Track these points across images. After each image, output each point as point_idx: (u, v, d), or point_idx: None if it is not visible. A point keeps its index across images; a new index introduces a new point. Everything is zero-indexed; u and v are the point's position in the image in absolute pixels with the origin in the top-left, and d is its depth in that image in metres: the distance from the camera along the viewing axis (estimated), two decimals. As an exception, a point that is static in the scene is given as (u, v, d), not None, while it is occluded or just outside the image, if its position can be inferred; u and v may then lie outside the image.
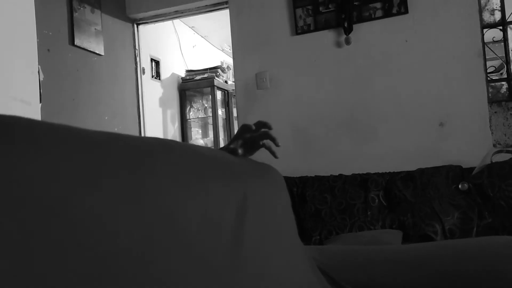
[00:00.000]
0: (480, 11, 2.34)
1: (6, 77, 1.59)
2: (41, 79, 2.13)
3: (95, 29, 2.73)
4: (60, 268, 0.34)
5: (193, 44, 4.47)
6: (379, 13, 2.46)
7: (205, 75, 4.09)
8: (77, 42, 2.55)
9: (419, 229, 1.89)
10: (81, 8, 2.61)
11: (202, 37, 4.70)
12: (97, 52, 2.75)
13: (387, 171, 2.23)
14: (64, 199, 0.37)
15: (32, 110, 1.70)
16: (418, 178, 2.10)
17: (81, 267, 0.36)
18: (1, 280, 0.30)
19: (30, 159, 0.36)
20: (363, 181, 2.19)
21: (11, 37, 1.62)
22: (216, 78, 4.07)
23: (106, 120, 2.82)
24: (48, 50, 2.33)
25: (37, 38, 1.77)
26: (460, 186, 2.00)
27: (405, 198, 2.05)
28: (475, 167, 2.05)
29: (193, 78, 4.09)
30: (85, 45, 2.63)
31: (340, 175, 2.28)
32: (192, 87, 4.09)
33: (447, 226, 1.86)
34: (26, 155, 0.36)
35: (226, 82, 4.34)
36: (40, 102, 1.79)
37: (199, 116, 4.23)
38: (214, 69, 4.18)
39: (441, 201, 1.97)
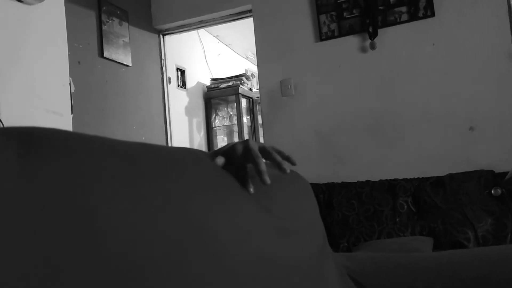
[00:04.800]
0: (510, 11, 2.28)
1: (40, 90, 1.64)
2: (72, 91, 2.20)
3: (123, 41, 2.80)
4: (94, 273, 0.35)
5: (217, 53, 4.52)
6: (404, 17, 2.43)
7: (230, 83, 4.12)
8: (106, 54, 2.62)
9: (450, 236, 1.85)
10: (110, 21, 2.69)
11: (226, 45, 4.74)
12: (125, 63, 2.81)
13: (416, 177, 2.19)
14: (98, 207, 0.38)
15: (64, 121, 1.75)
16: (448, 183, 2.05)
17: (113, 273, 0.37)
18: (32, 281, 0.31)
19: (65, 170, 0.37)
20: (391, 187, 2.16)
21: (44, 51, 1.68)
22: (240, 86, 4.10)
23: (134, 130, 2.87)
24: (79, 62, 2.40)
25: (68, 51, 1.83)
26: (492, 191, 1.95)
27: (435, 204, 2.01)
28: (508, 172, 1.99)
29: (218, 87, 4.13)
30: (114, 56, 2.70)
31: (367, 181, 2.25)
32: (217, 95, 4.13)
33: (480, 232, 1.81)
34: (62, 166, 0.37)
35: (250, 89, 4.36)
36: (72, 113, 1.85)
37: (225, 124, 4.26)
38: (238, 77, 4.21)
39: (473, 207, 1.92)
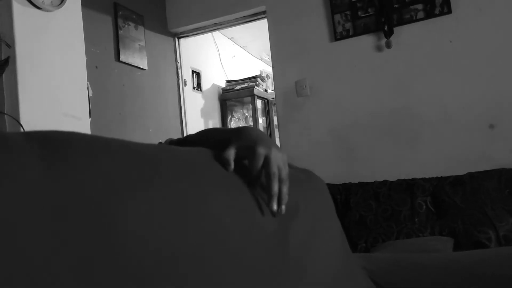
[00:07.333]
0: (529, 6, 2.23)
1: (59, 95, 1.67)
2: (90, 95, 2.23)
3: (139, 44, 2.84)
4: (117, 273, 0.35)
5: (232, 55, 4.54)
6: (420, 14, 2.40)
7: (245, 85, 4.13)
8: (122, 58, 2.65)
9: (471, 236, 1.82)
10: (126, 26, 2.72)
11: (241, 47, 4.75)
12: (141, 67, 2.84)
13: (434, 176, 2.16)
14: (119, 208, 0.38)
15: (82, 125, 1.78)
16: (468, 183, 2.01)
17: (136, 272, 0.37)
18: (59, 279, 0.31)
19: (86, 171, 0.38)
20: (409, 186, 2.13)
21: (62, 57, 1.71)
22: (256, 87, 4.10)
23: (151, 132, 2.90)
24: (96, 67, 2.44)
25: (85, 56, 1.86)
26: (514, 190, 1.91)
27: (455, 204, 1.98)
28: (530, 170, 1.95)
29: (233, 88, 4.14)
30: (130, 60, 2.73)
31: (385, 181, 2.23)
32: (233, 97, 4.14)
33: (502, 232, 1.78)
34: (83, 168, 0.38)
35: (266, 91, 4.36)
36: (90, 117, 1.87)
37: (240, 125, 4.26)
38: (253, 79, 4.21)
39: (494, 206, 1.88)
